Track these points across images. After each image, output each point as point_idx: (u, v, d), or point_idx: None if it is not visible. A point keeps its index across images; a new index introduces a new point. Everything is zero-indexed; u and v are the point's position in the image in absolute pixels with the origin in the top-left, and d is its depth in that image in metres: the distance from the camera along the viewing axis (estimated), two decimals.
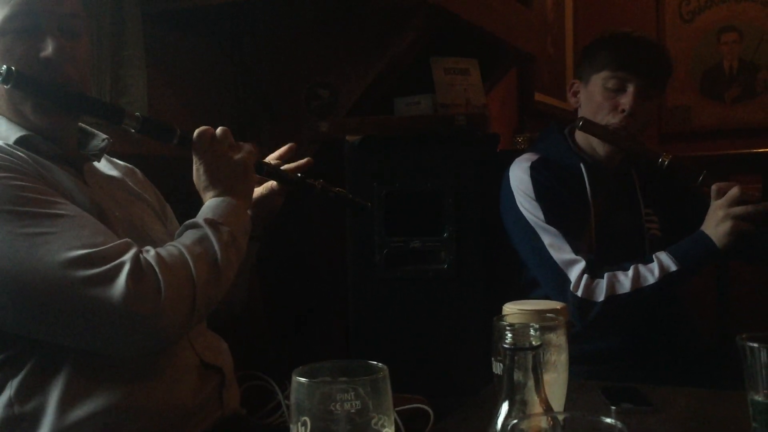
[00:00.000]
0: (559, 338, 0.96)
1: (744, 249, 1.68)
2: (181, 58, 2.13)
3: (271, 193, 1.42)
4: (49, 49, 1.14)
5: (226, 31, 2.28)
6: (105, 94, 1.79)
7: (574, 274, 1.61)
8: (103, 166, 1.35)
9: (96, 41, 1.77)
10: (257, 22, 2.29)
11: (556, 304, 1.12)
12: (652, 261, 1.61)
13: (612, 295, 1.58)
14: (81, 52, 1.20)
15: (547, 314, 1.01)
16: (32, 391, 1.06)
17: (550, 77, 3.54)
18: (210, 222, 1.17)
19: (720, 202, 1.57)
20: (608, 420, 0.58)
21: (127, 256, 1.03)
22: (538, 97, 3.46)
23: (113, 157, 1.42)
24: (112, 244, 1.05)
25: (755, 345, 0.85)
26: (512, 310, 1.07)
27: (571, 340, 0.99)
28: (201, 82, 2.20)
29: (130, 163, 1.46)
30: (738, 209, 1.54)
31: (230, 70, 2.30)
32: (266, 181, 1.42)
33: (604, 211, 1.74)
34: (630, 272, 1.60)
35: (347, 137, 2.05)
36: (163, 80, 2.04)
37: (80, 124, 1.30)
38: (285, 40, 2.30)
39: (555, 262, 1.64)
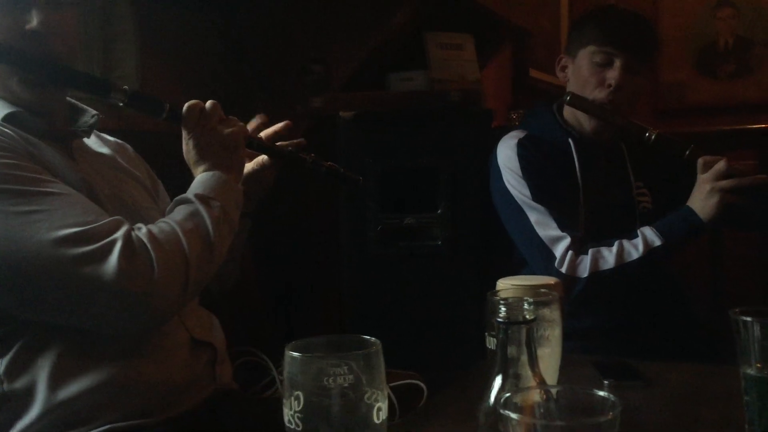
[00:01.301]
0: (552, 313, 0.96)
1: (736, 217, 1.69)
2: (173, 33, 2.11)
3: (262, 167, 1.41)
4: (34, 21, 1.12)
5: (219, 6, 2.26)
6: (95, 70, 1.77)
7: (559, 250, 1.62)
8: (93, 142, 1.33)
9: (85, 16, 1.75)
10: None
11: (551, 280, 1.13)
12: (637, 236, 1.61)
13: (596, 272, 1.59)
14: (69, 24, 1.18)
15: (541, 289, 1.01)
16: (22, 369, 1.06)
17: (545, 53, 3.51)
18: (201, 197, 1.16)
19: (706, 176, 1.57)
20: (601, 393, 0.58)
21: (119, 234, 1.03)
22: (533, 73, 3.44)
23: (103, 132, 1.41)
24: (103, 222, 1.04)
25: (748, 319, 0.85)
26: (506, 286, 1.07)
27: (565, 315, 1.00)
28: (193, 58, 2.17)
29: (121, 139, 1.44)
30: (724, 183, 1.54)
31: (223, 45, 2.28)
32: (257, 155, 1.41)
33: (593, 186, 1.74)
34: (614, 248, 1.60)
35: (341, 113, 2.04)
36: (155, 56, 2.01)
37: (69, 99, 1.29)
38: (278, 15, 2.27)
39: (540, 238, 1.65)
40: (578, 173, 1.74)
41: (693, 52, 3.96)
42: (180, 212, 1.14)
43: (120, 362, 1.10)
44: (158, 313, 1.06)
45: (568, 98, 1.73)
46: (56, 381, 1.06)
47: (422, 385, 1.75)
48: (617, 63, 1.70)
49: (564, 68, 1.85)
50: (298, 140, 1.42)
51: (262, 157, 1.40)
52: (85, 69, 1.72)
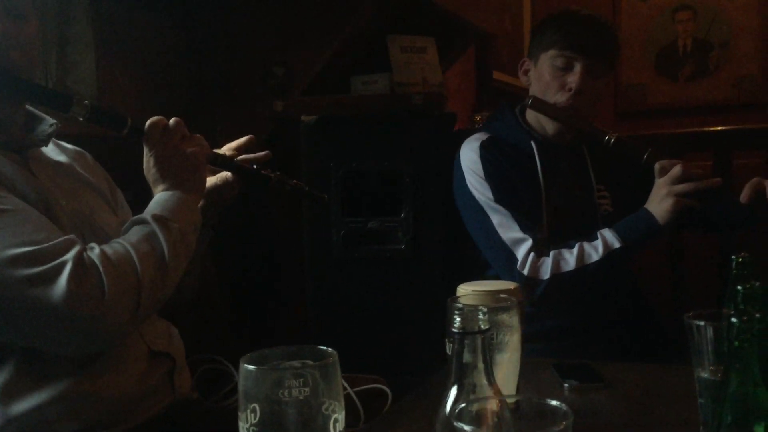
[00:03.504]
0: (511, 319, 0.96)
1: (694, 219, 1.72)
2: (133, 35, 2.07)
3: (226, 183, 1.38)
4: None
5: (179, 8, 2.23)
6: (51, 73, 1.74)
7: (521, 252, 1.63)
8: (51, 151, 1.30)
9: (40, 18, 1.71)
10: None
11: (509, 285, 1.13)
12: (597, 239, 1.63)
13: (557, 273, 1.61)
14: (28, 35, 1.15)
15: (500, 295, 1.02)
16: None
17: (508, 55, 3.54)
18: (159, 218, 1.14)
19: (663, 180, 1.60)
20: (554, 402, 0.58)
21: (69, 255, 1.01)
22: (497, 75, 3.46)
23: (62, 139, 1.38)
24: (54, 242, 1.02)
25: (701, 323, 0.86)
26: (466, 291, 1.07)
27: (525, 318, 1.00)
28: (154, 62, 2.14)
29: (80, 146, 1.41)
30: (680, 187, 1.57)
31: (184, 48, 2.25)
32: (220, 171, 1.38)
33: (555, 189, 1.76)
34: (575, 250, 1.62)
35: (303, 117, 2.03)
36: (113, 58, 1.98)
37: (28, 107, 1.26)
38: (240, 18, 2.26)
39: (503, 240, 1.66)
40: (540, 176, 1.76)
41: (653, 54, 4.03)
42: (136, 233, 1.12)
43: (76, 376, 1.08)
44: (108, 336, 1.04)
45: (530, 102, 1.74)
46: (10, 396, 1.04)
47: (386, 389, 1.75)
48: (578, 67, 1.72)
49: (526, 72, 1.86)
50: (263, 153, 1.40)
51: (226, 173, 1.37)
52: (41, 73, 1.70)
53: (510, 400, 0.63)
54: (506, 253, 1.66)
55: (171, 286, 1.13)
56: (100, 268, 1.02)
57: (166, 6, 2.18)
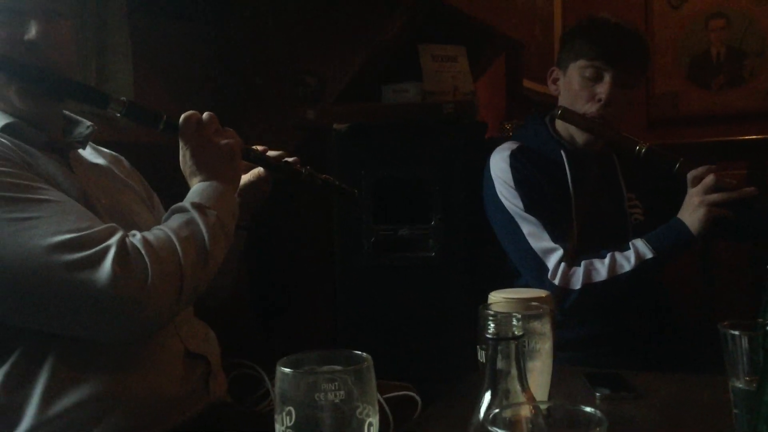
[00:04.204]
0: (543, 326, 0.97)
1: (726, 229, 1.70)
2: (167, 45, 2.12)
3: (258, 179, 1.41)
4: (32, 32, 1.13)
5: (213, 19, 2.27)
6: (90, 82, 1.78)
7: (552, 262, 1.63)
8: (89, 154, 1.34)
9: (80, 29, 1.76)
10: (243, 8, 2.28)
11: (541, 293, 1.13)
12: (629, 248, 1.62)
13: (589, 283, 1.60)
14: (66, 35, 1.19)
15: (532, 303, 1.02)
16: (18, 381, 1.06)
17: (538, 64, 3.53)
18: (197, 206, 1.16)
19: (695, 189, 1.59)
20: (588, 409, 0.58)
21: (113, 240, 1.03)
22: (527, 83, 3.45)
23: (99, 144, 1.41)
24: (97, 228, 1.04)
25: (736, 333, 0.86)
26: (497, 299, 1.07)
27: (556, 326, 1.00)
28: (186, 70, 2.18)
29: (116, 151, 1.45)
30: (713, 197, 1.56)
31: (217, 57, 2.29)
32: (253, 167, 1.41)
33: (585, 198, 1.75)
34: (606, 260, 1.62)
35: (334, 125, 2.04)
36: (149, 67, 2.02)
37: (65, 111, 1.29)
38: (271, 27, 2.29)
39: (534, 250, 1.65)
40: (570, 185, 1.75)
41: (685, 62, 3.99)
42: (176, 220, 1.14)
43: (115, 375, 1.10)
44: (151, 320, 1.05)
45: (559, 113, 1.74)
46: (50, 394, 1.06)
47: (416, 396, 1.75)
48: (607, 78, 1.71)
49: (555, 81, 1.86)
50: (293, 158, 1.42)
51: (258, 169, 1.41)
52: (80, 77, 1.74)
53: (543, 407, 0.63)
54: (537, 262, 1.66)
55: (211, 271, 1.15)
56: (143, 252, 1.04)
57: (200, 17, 2.22)
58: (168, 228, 1.11)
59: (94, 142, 1.36)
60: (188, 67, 2.19)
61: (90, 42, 1.79)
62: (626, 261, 1.61)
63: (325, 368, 0.71)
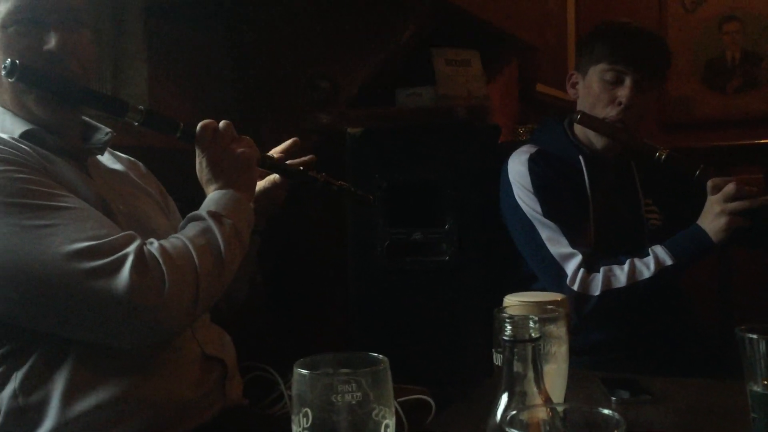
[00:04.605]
0: (559, 330, 0.96)
1: (746, 236, 1.69)
2: (182, 50, 2.13)
3: (274, 186, 1.42)
4: (52, 42, 1.15)
5: (227, 24, 2.28)
6: (106, 87, 1.80)
7: (570, 267, 1.62)
8: (107, 159, 1.35)
9: (97, 35, 1.77)
10: (257, 13, 2.29)
11: (557, 296, 1.13)
12: (648, 255, 1.62)
13: (608, 290, 1.59)
14: (84, 44, 1.21)
15: (548, 306, 1.02)
16: (36, 383, 1.07)
17: (551, 68, 3.53)
18: (213, 214, 1.17)
19: (716, 197, 1.58)
20: (606, 411, 0.58)
21: (131, 248, 1.04)
22: (540, 87, 3.44)
23: (116, 149, 1.43)
24: (115, 236, 1.05)
25: (754, 336, 0.86)
26: (513, 302, 1.07)
27: (572, 331, 1.00)
28: (201, 74, 2.19)
29: (133, 156, 1.46)
30: (733, 205, 1.55)
31: (231, 62, 2.30)
32: (268, 174, 1.42)
33: (603, 203, 1.75)
34: (626, 266, 1.61)
35: (348, 129, 2.05)
36: (164, 72, 2.04)
37: (84, 117, 1.31)
38: (285, 32, 2.29)
39: (552, 255, 1.65)
40: (588, 189, 1.75)
41: (700, 66, 3.97)
42: (192, 228, 1.16)
43: (133, 377, 1.11)
44: (168, 327, 1.07)
45: (579, 117, 1.73)
46: (70, 396, 1.07)
47: (430, 400, 1.75)
48: (628, 81, 1.70)
49: (574, 85, 1.85)
50: (309, 157, 1.43)
51: (274, 176, 1.42)
52: (97, 88, 1.75)
53: (560, 409, 0.63)
54: (555, 268, 1.65)
55: (227, 279, 1.16)
56: (160, 261, 1.05)
57: (215, 23, 2.23)
58: (184, 236, 1.13)
59: (111, 147, 1.38)
60: (203, 73, 2.20)
61: (107, 48, 1.81)
62: (646, 267, 1.60)
63: (342, 370, 0.71)
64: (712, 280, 2.48)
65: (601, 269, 1.61)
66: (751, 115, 3.84)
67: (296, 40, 2.28)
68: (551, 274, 1.65)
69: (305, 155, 1.46)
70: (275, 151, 1.43)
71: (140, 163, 1.46)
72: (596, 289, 1.60)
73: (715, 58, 3.95)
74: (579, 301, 1.60)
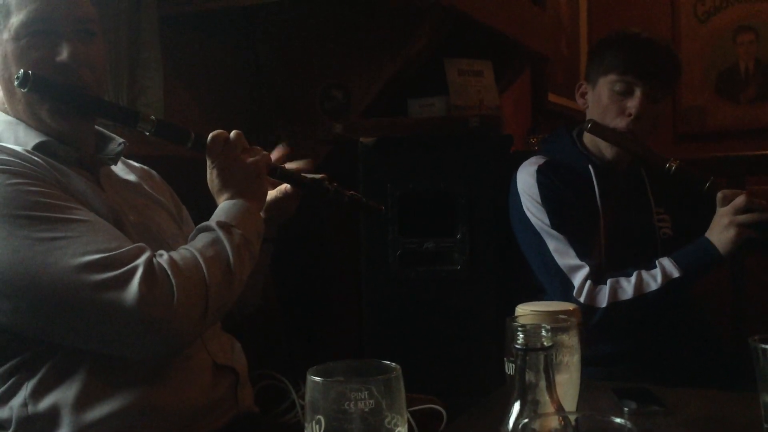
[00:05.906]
0: (571, 339, 0.97)
1: (755, 246, 1.69)
2: (197, 60, 2.15)
3: (285, 196, 1.42)
4: (64, 53, 1.16)
5: (241, 34, 2.30)
6: (122, 96, 1.81)
7: (577, 279, 1.62)
8: (120, 169, 1.36)
9: (113, 44, 1.79)
10: (271, 24, 2.31)
11: (569, 306, 1.13)
12: (655, 267, 1.61)
13: (614, 302, 1.59)
14: (96, 55, 1.22)
15: (560, 315, 1.02)
16: (47, 392, 1.08)
17: (564, 78, 3.53)
18: (222, 225, 1.18)
19: (725, 209, 1.57)
20: (619, 420, 0.58)
21: (141, 260, 1.05)
22: (552, 97, 3.45)
23: (130, 158, 1.44)
24: (125, 249, 1.06)
25: (767, 346, 0.85)
26: (525, 311, 1.07)
27: (585, 341, 1.00)
28: (216, 84, 2.21)
29: (147, 165, 1.47)
30: (743, 217, 1.55)
31: (245, 71, 2.32)
32: (280, 184, 1.43)
33: (614, 212, 1.74)
34: (633, 278, 1.61)
35: (361, 139, 2.06)
36: (179, 82, 2.06)
37: (97, 127, 1.32)
38: (299, 42, 2.31)
39: (559, 267, 1.65)
40: (598, 199, 1.74)
41: (713, 76, 3.96)
42: (201, 240, 1.16)
43: (144, 386, 1.11)
44: (177, 339, 1.07)
45: (589, 126, 1.73)
46: (82, 405, 1.07)
47: (441, 409, 1.75)
48: (638, 92, 1.70)
49: (584, 94, 1.85)
50: (321, 175, 1.43)
51: (285, 186, 1.42)
52: (112, 97, 1.77)
53: (572, 417, 0.63)
54: (562, 279, 1.65)
55: (237, 290, 1.16)
56: (169, 273, 1.06)
57: (229, 32, 2.26)
58: (194, 248, 1.13)
59: (125, 156, 1.39)
60: (218, 82, 2.22)
61: (122, 57, 1.83)
62: (653, 280, 1.60)
63: (355, 378, 0.72)
64: (725, 290, 2.47)
65: (608, 281, 1.61)
66: (765, 125, 3.82)
67: (310, 50, 2.30)
68: (558, 286, 1.65)
69: (317, 166, 1.46)
70: (288, 166, 1.43)
71: (154, 172, 1.47)
72: (603, 301, 1.60)
73: (729, 69, 3.94)
74: (586, 313, 1.59)
